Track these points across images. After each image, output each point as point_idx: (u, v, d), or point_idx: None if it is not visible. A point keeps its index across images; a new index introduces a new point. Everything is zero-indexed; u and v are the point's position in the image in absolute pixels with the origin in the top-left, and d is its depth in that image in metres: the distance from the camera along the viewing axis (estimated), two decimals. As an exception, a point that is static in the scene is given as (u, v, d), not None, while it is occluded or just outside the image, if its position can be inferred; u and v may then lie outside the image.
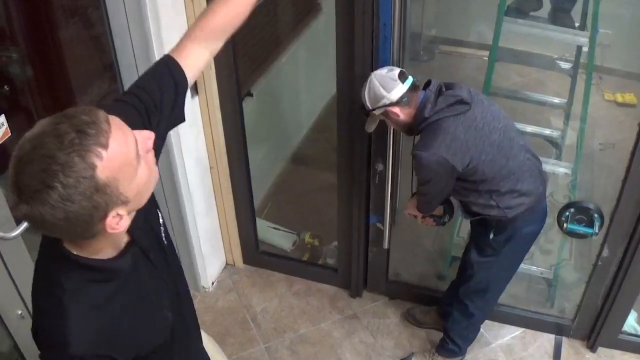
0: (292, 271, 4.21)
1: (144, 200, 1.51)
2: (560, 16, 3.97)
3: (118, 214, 1.41)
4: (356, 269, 3.91)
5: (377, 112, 2.84)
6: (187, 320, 2.00)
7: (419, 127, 2.78)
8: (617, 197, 3.15)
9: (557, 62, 4.24)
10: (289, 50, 4.47)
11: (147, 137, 1.48)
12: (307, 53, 4.69)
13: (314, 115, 5.15)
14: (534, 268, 3.85)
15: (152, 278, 1.75)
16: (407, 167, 3.19)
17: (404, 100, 2.77)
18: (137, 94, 1.73)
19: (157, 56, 2.61)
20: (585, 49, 3.57)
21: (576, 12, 3.84)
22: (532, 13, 3.96)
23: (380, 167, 3.31)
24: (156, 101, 1.74)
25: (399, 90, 2.76)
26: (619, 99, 4.72)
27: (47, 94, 2.79)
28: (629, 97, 4.59)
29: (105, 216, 1.39)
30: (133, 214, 1.50)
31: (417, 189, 3.04)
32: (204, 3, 2.81)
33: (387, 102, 2.76)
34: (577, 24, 3.89)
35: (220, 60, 3.16)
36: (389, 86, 2.76)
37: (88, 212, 1.35)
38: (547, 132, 4.05)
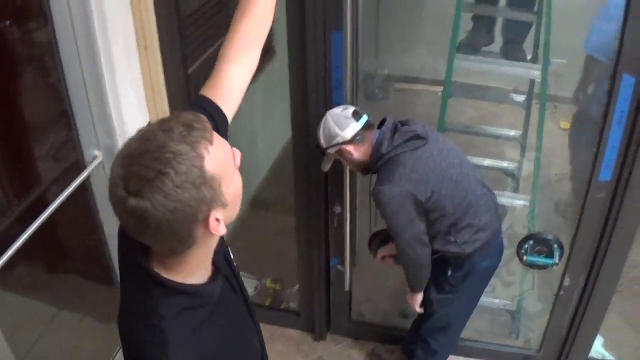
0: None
1: (235, 211, 1.54)
2: (511, 49, 4.00)
3: (217, 219, 1.43)
4: (319, 312, 3.88)
5: (331, 151, 2.84)
6: (264, 352, 2.03)
7: (377, 164, 2.79)
8: (575, 226, 3.17)
9: (511, 95, 4.27)
10: (245, 94, 4.46)
11: (238, 153, 1.52)
12: (263, 96, 4.69)
13: (272, 158, 5.15)
14: (496, 301, 3.85)
15: (236, 305, 1.79)
16: (364, 208, 3.19)
17: (357, 138, 2.78)
18: None
19: (113, 106, 2.60)
20: (538, 80, 3.61)
21: (528, 45, 3.88)
22: (484, 48, 4.00)
23: (337, 209, 3.31)
24: None
25: (353, 128, 2.77)
26: (575, 126, 4.76)
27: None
28: (563, 124, 4.64)
29: (207, 216, 1.41)
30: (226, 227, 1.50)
31: (397, 252, 3.00)
32: (158, 55, 2.80)
33: (341, 140, 2.77)
34: (529, 57, 3.93)
35: (175, 107, 3.15)
36: (343, 124, 2.77)
37: (196, 205, 1.37)
38: (504, 164, 4.07)
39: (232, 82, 1.84)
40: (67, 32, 2.46)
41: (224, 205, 1.44)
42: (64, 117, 2.77)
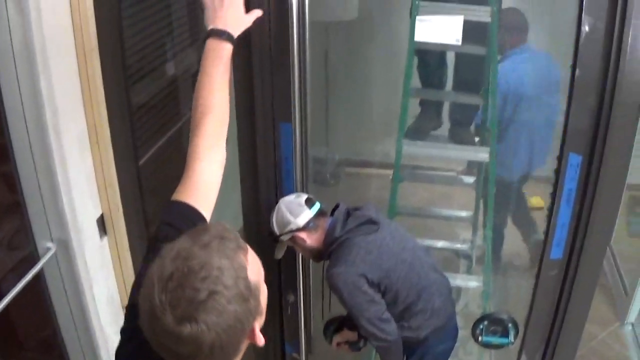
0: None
1: (263, 319, 1.48)
2: (459, 132, 4.08)
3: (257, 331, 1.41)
4: (277, 401, 3.81)
5: (285, 238, 2.85)
6: None
7: (330, 248, 2.80)
8: (529, 305, 3.20)
9: (461, 177, 4.34)
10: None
11: None
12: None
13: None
14: (456, 382, 3.83)
15: None
16: (318, 294, 3.18)
17: (310, 225, 2.80)
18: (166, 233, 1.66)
19: (65, 200, 2.59)
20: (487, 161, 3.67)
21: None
22: (432, 132, 4.07)
23: (291, 298, 3.31)
24: None
25: (306, 215, 2.79)
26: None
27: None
28: (536, 201, 4.69)
29: (252, 328, 1.38)
30: None
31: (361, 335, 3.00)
32: (110, 149, 2.81)
33: (294, 227, 2.79)
34: (477, 138, 4.01)
35: (128, 200, 3.15)
36: (296, 212, 2.79)
37: (245, 318, 1.33)
38: (457, 245, 4.11)
39: (205, 179, 1.83)
40: (19, 126, 2.47)
41: (261, 314, 1.42)
42: (17, 208, 2.75)
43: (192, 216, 1.73)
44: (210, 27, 2.00)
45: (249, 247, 1.41)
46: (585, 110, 2.69)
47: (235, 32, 2.01)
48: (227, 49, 1.96)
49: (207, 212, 1.80)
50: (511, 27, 3.78)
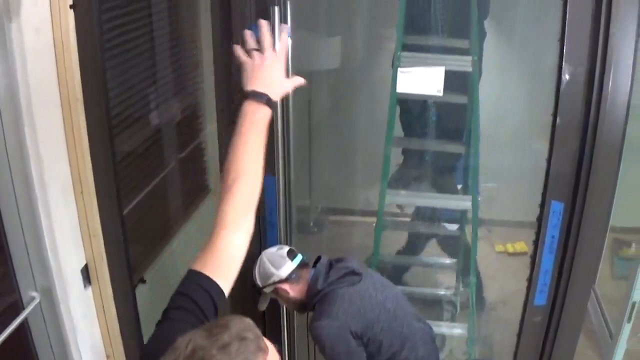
0: None
1: None
2: (442, 180, 4.11)
3: None
4: None
5: (268, 290, 2.85)
6: None
7: (313, 300, 2.79)
8: (514, 351, 3.20)
9: (444, 224, 4.35)
10: (180, 232, 4.46)
11: None
12: (198, 234, 4.69)
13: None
14: None
15: None
16: (302, 345, 3.17)
17: (293, 277, 2.80)
18: (180, 312, 1.64)
19: (50, 249, 2.59)
20: (469, 214, 3.70)
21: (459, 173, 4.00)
22: (415, 180, 4.09)
23: (275, 348, 3.28)
24: (198, 315, 1.64)
25: (288, 267, 2.79)
26: (510, 249, 4.86)
27: None
28: (520, 246, 4.73)
29: None
30: None
31: None
32: (94, 198, 2.81)
33: (277, 279, 2.79)
34: (459, 186, 4.03)
35: (112, 249, 3.14)
36: (278, 264, 2.80)
37: None
38: (441, 292, 4.11)
39: (230, 250, 1.77)
40: (4, 176, 2.47)
41: None
42: (1, 257, 2.74)
43: (211, 290, 1.68)
44: (249, 88, 1.92)
45: (269, 345, 1.37)
46: (566, 157, 2.72)
47: (276, 96, 1.94)
48: (265, 113, 1.89)
49: (227, 286, 1.75)
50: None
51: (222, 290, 1.72)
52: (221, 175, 1.88)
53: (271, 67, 1.96)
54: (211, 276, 1.69)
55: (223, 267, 1.75)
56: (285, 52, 2.07)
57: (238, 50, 2.02)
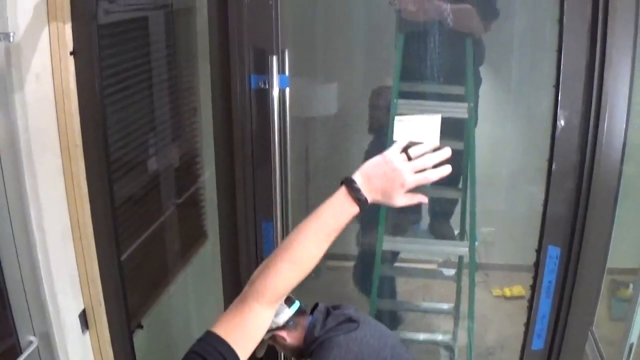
0: None
1: None
2: (439, 227, 4.12)
3: None
4: None
5: (265, 337, 2.83)
6: None
7: (310, 347, 2.78)
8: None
9: (441, 269, 4.36)
10: (178, 278, 4.46)
11: None
12: (196, 280, 4.69)
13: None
14: None
15: None
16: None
17: (290, 324, 2.79)
18: None
19: (48, 294, 2.59)
20: (466, 260, 3.70)
21: (455, 218, 4.00)
22: (411, 226, 4.10)
23: (274, 395, 3.28)
24: None
25: (286, 314, 2.78)
26: (507, 293, 4.85)
27: None
28: (517, 290, 4.71)
29: None
30: None
31: None
32: (92, 244, 2.83)
33: (274, 326, 2.78)
34: (457, 231, 4.04)
35: (110, 295, 3.14)
36: (276, 311, 2.78)
37: None
38: (439, 337, 4.10)
39: (257, 322, 1.73)
40: (4, 222, 2.48)
41: None
42: (0, 302, 2.75)
43: (227, 357, 1.64)
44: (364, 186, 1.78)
45: None
46: (562, 202, 2.73)
47: (377, 200, 1.79)
48: (353, 211, 1.77)
49: (244, 356, 1.69)
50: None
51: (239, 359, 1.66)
52: (282, 242, 1.78)
53: (398, 181, 1.79)
54: (232, 344, 1.65)
55: (245, 339, 1.70)
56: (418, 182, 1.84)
57: (398, 148, 1.88)
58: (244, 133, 2.83)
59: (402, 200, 1.79)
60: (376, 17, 4.16)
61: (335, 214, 1.76)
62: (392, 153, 1.82)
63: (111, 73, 2.97)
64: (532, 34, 4.00)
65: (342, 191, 1.77)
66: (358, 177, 1.78)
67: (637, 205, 2.98)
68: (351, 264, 4.98)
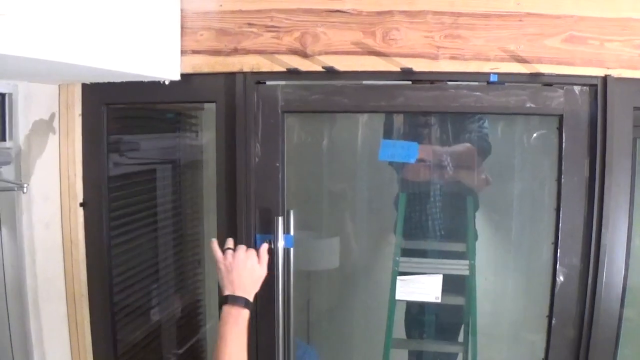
0: None
1: None
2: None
3: None
4: None
5: None
6: None
7: None
8: None
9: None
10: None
11: None
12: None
13: None
14: None
15: None
16: None
17: None
18: None
19: None
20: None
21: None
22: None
23: None
24: None
25: None
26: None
27: None
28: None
29: None
30: None
31: None
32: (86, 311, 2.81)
33: None
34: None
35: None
36: None
37: None
38: None
39: None
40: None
41: None
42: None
43: None
44: (226, 293, 2.03)
45: None
46: (563, 353, 2.73)
47: (252, 294, 2.04)
48: (244, 315, 1.98)
49: None
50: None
51: None
52: None
53: (243, 268, 2.08)
54: None
55: None
56: (263, 256, 2.22)
57: (214, 244, 2.18)
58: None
59: (262, 270, 2.19)
60: (380, 177, 4.26)
61: (236, 324, 2.00)
62: (217, 254, 2.18)
63: (119, 224, 3.02)
64: (530, 193, 4.08)
65: (230, 307, 2.02)
66: (227, 293, 2.06)
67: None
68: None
